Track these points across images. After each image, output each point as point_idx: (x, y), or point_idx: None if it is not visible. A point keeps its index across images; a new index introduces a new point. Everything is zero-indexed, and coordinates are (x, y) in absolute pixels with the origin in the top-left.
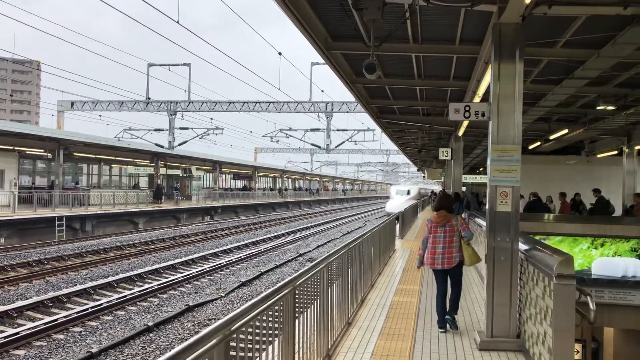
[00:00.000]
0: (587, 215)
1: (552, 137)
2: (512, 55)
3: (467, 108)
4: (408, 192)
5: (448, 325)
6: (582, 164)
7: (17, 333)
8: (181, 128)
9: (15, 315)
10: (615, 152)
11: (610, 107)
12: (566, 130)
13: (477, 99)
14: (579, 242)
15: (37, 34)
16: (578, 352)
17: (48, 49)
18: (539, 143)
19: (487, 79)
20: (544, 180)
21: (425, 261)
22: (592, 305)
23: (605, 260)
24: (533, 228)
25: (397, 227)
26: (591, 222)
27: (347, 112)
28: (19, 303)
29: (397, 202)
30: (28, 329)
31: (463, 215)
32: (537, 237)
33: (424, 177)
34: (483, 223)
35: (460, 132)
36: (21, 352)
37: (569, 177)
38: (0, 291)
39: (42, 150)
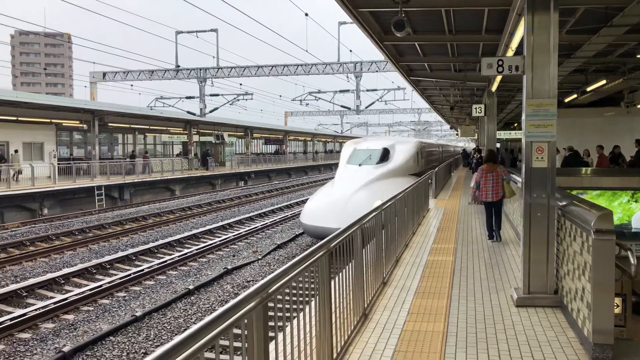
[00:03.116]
0: (627, 168)
1: (589, 88)
2: (546, 5)
3: (500, 62)
4: (385, 156)
5: (495, 237)
6: (621, 116)
7: (66, 299)
8: (211, 95)
9: (63, 282)
10: None
11: None
12: (604, 81)
13: (510, 53)
14: (618, 196)
15: (65, 6)
16: (618, 306)
17: (77, 21)
18: (575, 95)
19: (520, 31)
20: (581, 133)
21: (479, 196)
22: (632, 260)
23: None
24: (570, 183)
25: (431, 187)
26: (631, 174)
27: (377, 71)
28: (65, 270)
29: (345, 191)
30: (75, 295)
31: None
32: (574, 192)
33: (457, 134)
34: (518, 179)
35: (494, 88)
36: (70, 317)
37: (608, 130)
38: (47, 259)
39: (78, 122)
